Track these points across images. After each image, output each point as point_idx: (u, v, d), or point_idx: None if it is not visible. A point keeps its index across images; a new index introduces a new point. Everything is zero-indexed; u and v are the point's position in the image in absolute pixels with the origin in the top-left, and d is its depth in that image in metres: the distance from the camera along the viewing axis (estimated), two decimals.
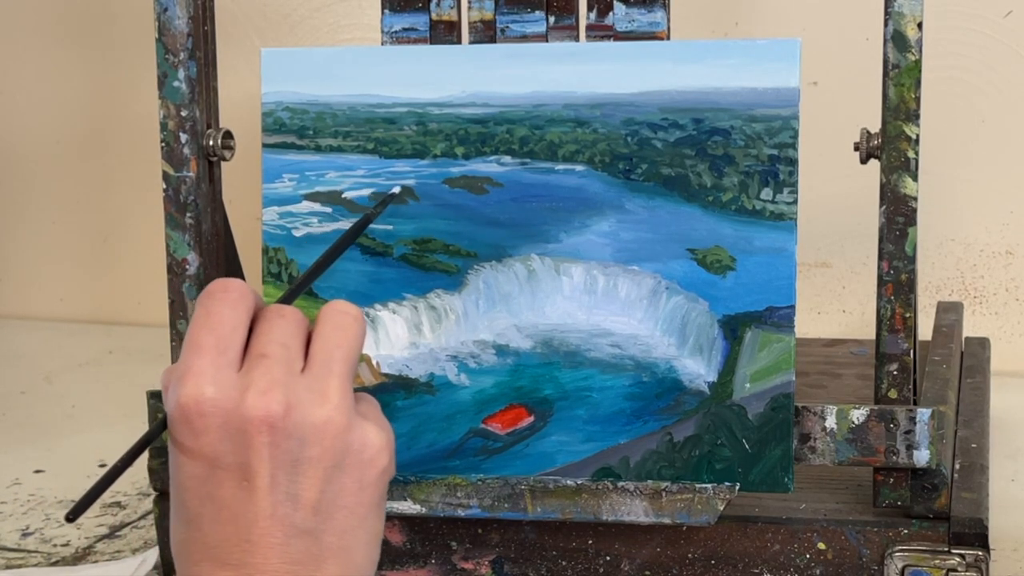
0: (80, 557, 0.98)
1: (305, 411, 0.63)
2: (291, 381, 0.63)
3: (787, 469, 0.81)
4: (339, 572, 0.64)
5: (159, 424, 0.65)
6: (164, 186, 0.89)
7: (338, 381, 0.64)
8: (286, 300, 0.69)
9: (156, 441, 0.89)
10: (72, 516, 0.65)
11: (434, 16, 0.88)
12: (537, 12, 0.86)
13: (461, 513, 0.84)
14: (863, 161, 0.82)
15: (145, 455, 0.90)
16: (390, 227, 0.85)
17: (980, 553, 0.82)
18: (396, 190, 0.84)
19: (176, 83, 0.88)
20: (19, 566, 0.97)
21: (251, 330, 0.65)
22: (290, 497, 0.63)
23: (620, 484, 0.83)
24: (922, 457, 0.81)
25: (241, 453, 0.62)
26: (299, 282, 0.72)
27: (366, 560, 0.65)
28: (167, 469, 0.90)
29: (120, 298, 1.65)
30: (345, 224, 0.86)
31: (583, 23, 0.86)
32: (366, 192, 0.86)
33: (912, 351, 0.82)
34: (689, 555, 0.85)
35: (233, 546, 0.62)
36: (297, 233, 0.87)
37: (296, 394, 0.63)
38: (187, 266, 0.89)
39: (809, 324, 1.40)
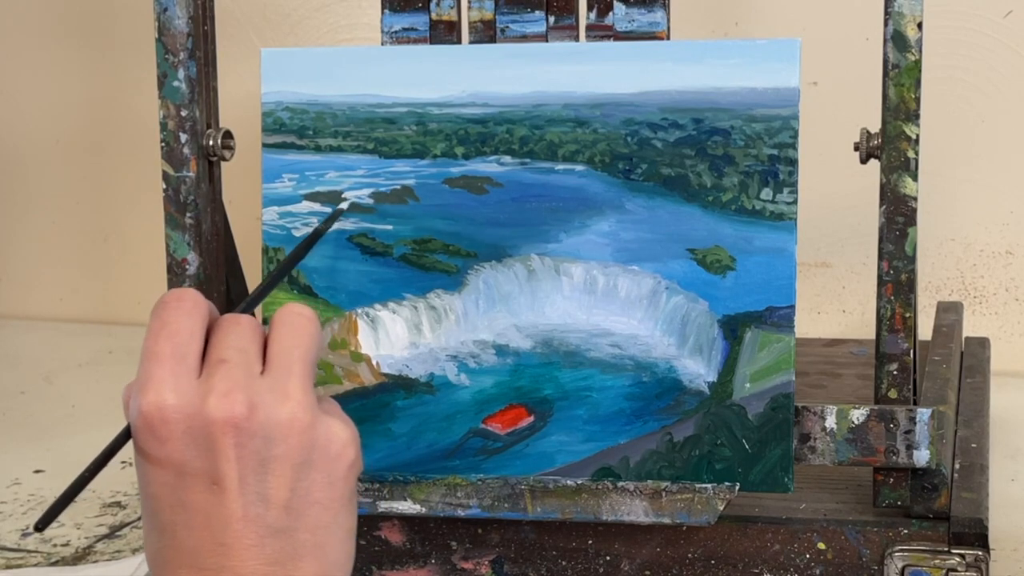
0: (80, 557, 0.98)
1: (268, 410, 0.63)
2: (252, 383, 0.63)
3: (787, 469, 0.81)
4: (316, 569, 0.64)
5: (122, 434, 0.66)
6: (164, 186, 0.89)
7: (298, 380, 0.64)
8: (242, 311, 0.69)
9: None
10: (41, 526, 0.65)
11: (434, 16, 0.88)
12: (537, 12, 0.86)
13: (461, 513, 0.84)
14: (863, 161, 0.82)
15: None
16: (390, 227, 0.85)
17: (980, 553, 0.82)
18: (344, 206, 0.84)
19: (176, 83, 0.88)
20: (19, 566, 0.97)
21: (207, 340, 0.65)
22: (261, 497, 0.63)
23: (620, 484, 0.83)
24: (922, 457, 0.81)
25: (208, 457, 0.62)
26: (253, 295, 0.72)
27: (341, 555, 0.65)
28: None
29: (120, 298, 1.65)
30: (345, 223, 0.86)
31: (583, 23, 0.86)
32: (366, 192, 0.86)
33: (912, 351, 0.82)
34: (689, 555, 0.85)
35: (208, 551, 0.63)
36: (297, 233, 0.87)
37: (258, 395, 0.63)
38: (187, 266, 0.89)
39: (809, 324, 1.40)
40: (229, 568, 0.62)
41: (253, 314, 0.69)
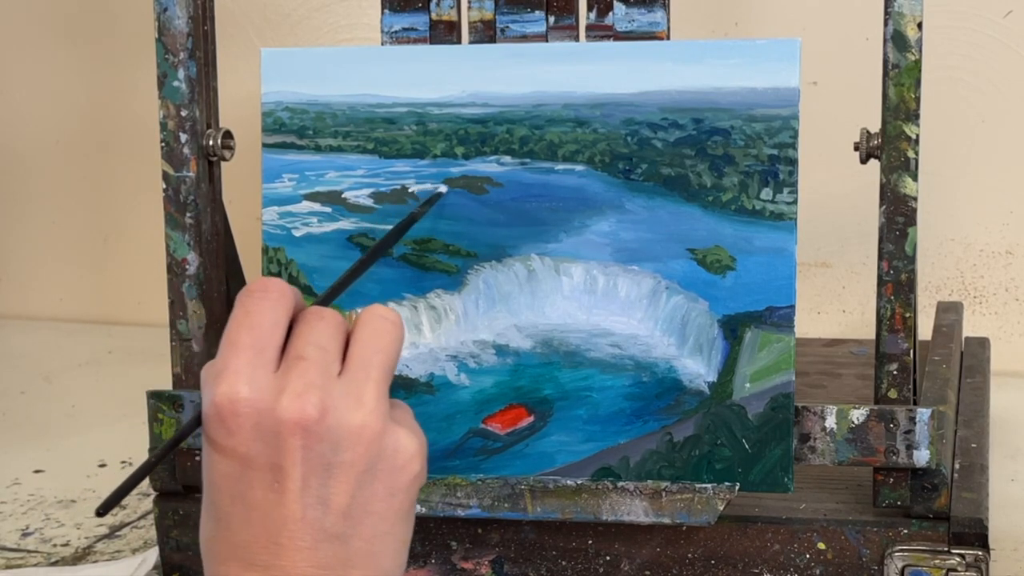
0: (80, 557, 0.98)
1: (340, 415, 0.62)
2: (328, 384, 0.63)
3: (787, 469, 0.81)
4: None
5: (193, 420, 0.65)
6: (164, 186, 0.89)
7: (375, 386, 0.64)
8: (323, 302, 0.69)
9: (157, 441, 0.89)
10: (103, 511, 0.65)
11: (434, 16, 0.88)
12: (537, 12, 0.86)
13: (461, 513, 0.84)
14: (863, 161, 0.82)
15: (144, 457, 0.90)
16: (390, 227, 0.85)
17: (980, 553, 0.82)
18: (443, 189, 0.84)
19: (176, 83, 0.88)
20: (19, 566, 0.97)
21: (289, 331, 0.65)
22: (321, 501, 0.62)
23: (620, 484, 0.83)
24: (922, 457, 0.81)
25: (274, 455, 0.62)
26: (337, 284, 0.71)
27: (393, 566, 0.65)
28: (167, 469, 0.90)
29: (120, 298, 1.65)
30: (345, 224, 0.86)
31: (583, 23, 0.86)
32: (366, 192, 0.86)
33: (912, 351, 0.82)
34: (689, 555, 0.85)
35: (261, 548, 0.62)
36: (297, 233, 0.87)
37: (332, 398, 0.62)
38: (187, 266, 0.89)
39: (809, 324, 1.40)
40: (279, 568, 0.62)
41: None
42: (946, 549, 0.82)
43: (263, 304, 0.64)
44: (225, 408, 0.62)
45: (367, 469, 0.63)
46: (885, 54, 0.80)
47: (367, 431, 0.63)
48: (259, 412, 0.62)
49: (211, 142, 0.89)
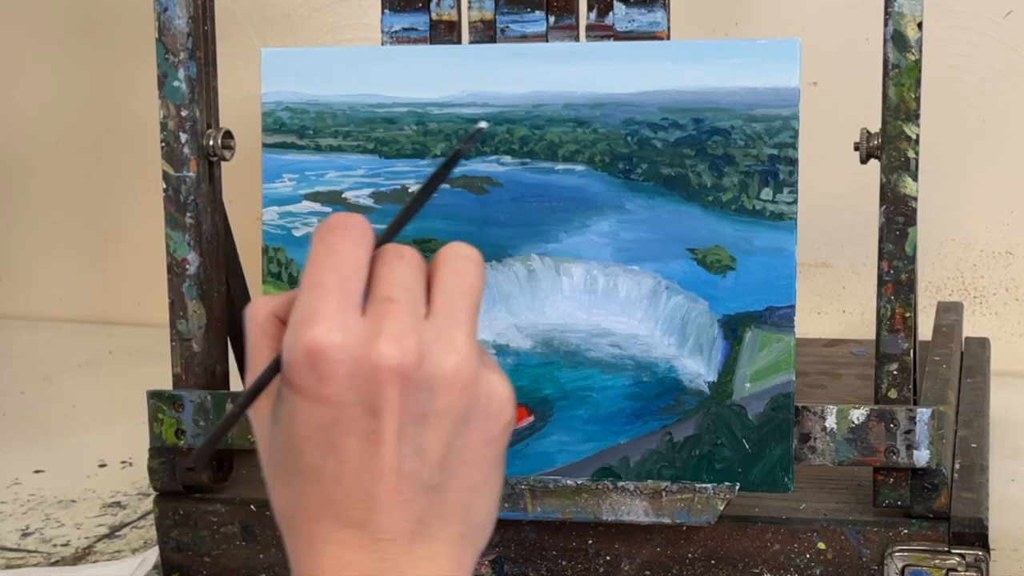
0: (80, 557, 0.98)
1: (435, 360, 0.59)
2: (420, 328, 0.59)
3: (787, 469, 0.81)
4: (460, 530, 0.61)
5: (272, 366, 0.61)
6: (164, 186, 0.89)
7: (464, 329, 0.60)
8: (383, 241, 0.66)
9: (157, 441, 0.89)
10: (193, 466, 0.62)
11: (434, 16, 0.88)
12: (537, 12, 0.86)
13: None
14: (863, 161, 0.82)
15: (144, 456, 0.91)
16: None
17: (980, 553, 0.82)
18: (483, 125, 0.82)
19: (176, 83, 0.88)
20: (19, 566, 0.97)
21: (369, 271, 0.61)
22: (417, 451, 0.59)
23: (620, 484, 0.83)
24: (922, 457, 0.81)
25: (369, 403, 0.58)
26: (394, 224, 0.67)
27: (486, 518, 0.62)
28: (167, 469, 0.90)
29: (120, 298, 1.65)
30: None
31: (583, 23, 0.86)
32: (366, 192, 0.86)
33: (912, 351, 0.82)
34: (689, 555, 0.85)
35: (356, 502, 0.59)
36: (297, 233, 0.87)
37: (426, 342, 0.59)
38: (187, 266, 0.89)
39: (809, 324, 1.40)
40: (375, 523, 0.59)
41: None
42: (946, 549, 0.82)
43: (346, 242, 0.61)
44: (319, 355, 0.58)
45: (462, 417, 0.60)
46: (885, 54, 0.80)
47: (461, 377, 0.60)
48: (355, 359, 0.58)
49: (211, 142, 0.89)
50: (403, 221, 0.67)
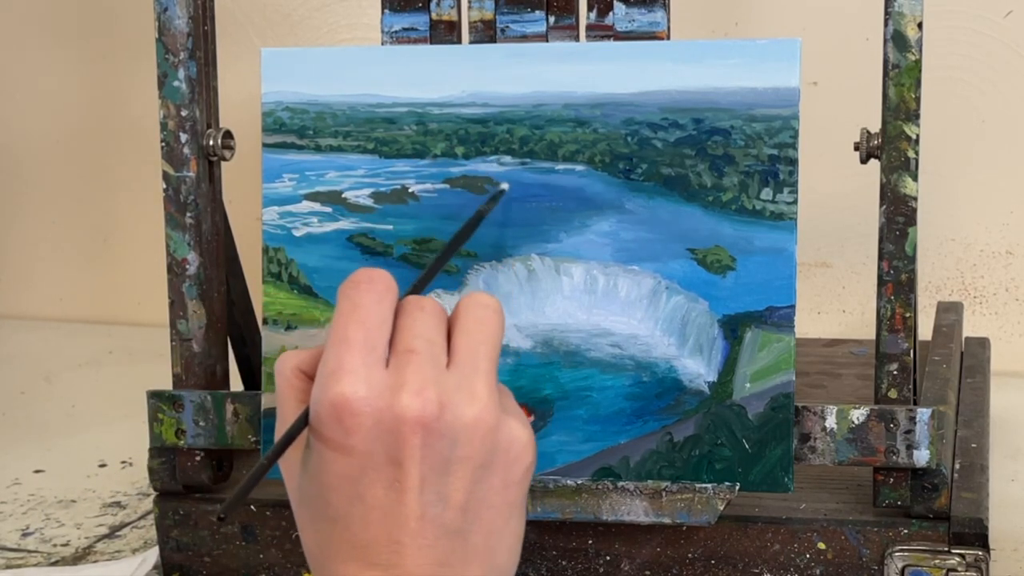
0: (80, 557, 0.98)
1: (457, 410, 0.62)
2: (441, 379, 0.62)
3: (787, 469, 0.81)
4: (483, 573, 0.63)
5: (301, 418, 0.63)
6: (164, 186, 0.89)
7: (485, 378, 0.63)
8: (413, 292, 0.67)
9: (156, 441, 0.89)
10: (223, 516, 0.63)
11: (434, 16, 0.88)
12: (537, 12, 0.86)
13: None
14: (863, 161, 0.82)
15: (144, 456, 0.91)
16: (390, 227, 0.86)
17: (980, 553, 0.82)
18: (504, 186, 0.83)
19: (176, 83, 0.88)
20: (19, 566, 0.97)
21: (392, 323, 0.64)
22: (440, 498, 0.62)
23: (620, 484, 0.83)
24: (922, 457, 0.81)
25: (393, 453, 0.61)
26: (422, 277, 0.70)
27: (509, 561, 0.64)
28: (167, 469, 0.90)
29: (120, 298, 1.65)
30: (345, 224, 0.86)
31: (583, 23, 0.86)
32: (366, 192, 0.86)
33: (912, 351, 0.82)
34: (689, 555, 0.85)
35: (382, 547, 0.61)
36: (297, 233, 0.87)
37: (447, 393, 0.62)
38: (187, 266, 0.89)
39: (809, 324, 1.40)
40: (400, 566, 0.61)
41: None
42: (946, 549, 0.82)
43: (370, 296, 0.63)
44: (344, 409, 0.61)
45: (483, 463, 0.62)
46: (885, 54, 0.80)
47: (482, 425, 0.62)
48: (378, 411, 0.61)
49: (211, 142, 0.89)
50: (427, 279, 0.69)
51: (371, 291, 0.63)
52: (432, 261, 0.73)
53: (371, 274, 0.64)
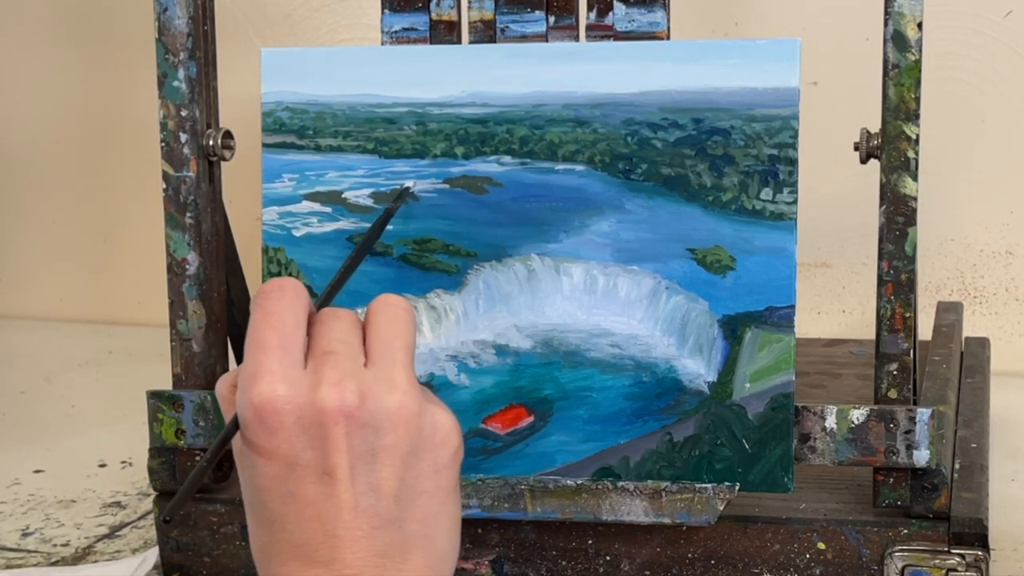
0: (80, 557, 0.98)
1: (378, 399, 0.63)
2: (360, 372, 0.63)
3: (787, 469, 0.81)
4: (424, 560, 0.63)
5: (231, 425, 0.65)
6: (164, 186, 0.89)
7: (403, 369, 0.64)
8: (321, 306, 0.69)
9: (157, 441, 0.89)
10: (168, 518, 0.64)
11: (434, 16, 0.88)
12: (537, 12, 0.86)
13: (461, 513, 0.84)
14: (863, 161, 0.82)
15: (144, 456, 0.91)
16: (390, 227, 0.85)
17: (980, 553, 0.82)
18: (409, 184, 0.84)
19: (176, 83, 0.88)
20: (19, 566, 0.97)
21: (308, 333, 0.65)
22: (371, 488, 0.62)
23: (620, 484, 0.83)
24: (922, 457, 0.81)
25: (319, 447, 0.62)
26: (332, 285, 0.72)
27: (448, 546, 0.65)
28: (167, 469, 0.90)
29: (120, 298, 1.65)
30: (345, 224, 0.86)
31: (583, 23, 0.86)
32: (366, 192, 0.86)
33: (912, 351, 0.82)
34: (689, 555, 0.85)
35: (320, 543, 0.62)
36: (297, 233, 0.87)
37: (367, 384, 0.63)
38: (187, 266, 0.89)
39: (809, 324, 1.40)
40: (340, 560, 0.62)
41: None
42: (946, 549, 0.82)
43: (281, 303, 0.65)
44: (265, 408, 0.62)
45: (410, 450, 0.63)
46: (885, 54, 0.80)
47: (405, 411, 0.63)
48: (299, 407, 0.62)
49: (211, 142, 0.89)
50: (338, 286, 0.71)
51: (282, 298, 0.65)
52: (341, 267, 0.74)
53: (281, 283, 0.65)
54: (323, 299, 0.70)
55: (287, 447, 0.62)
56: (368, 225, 0.86)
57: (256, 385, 0.62)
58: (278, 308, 0.64)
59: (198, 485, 0.64)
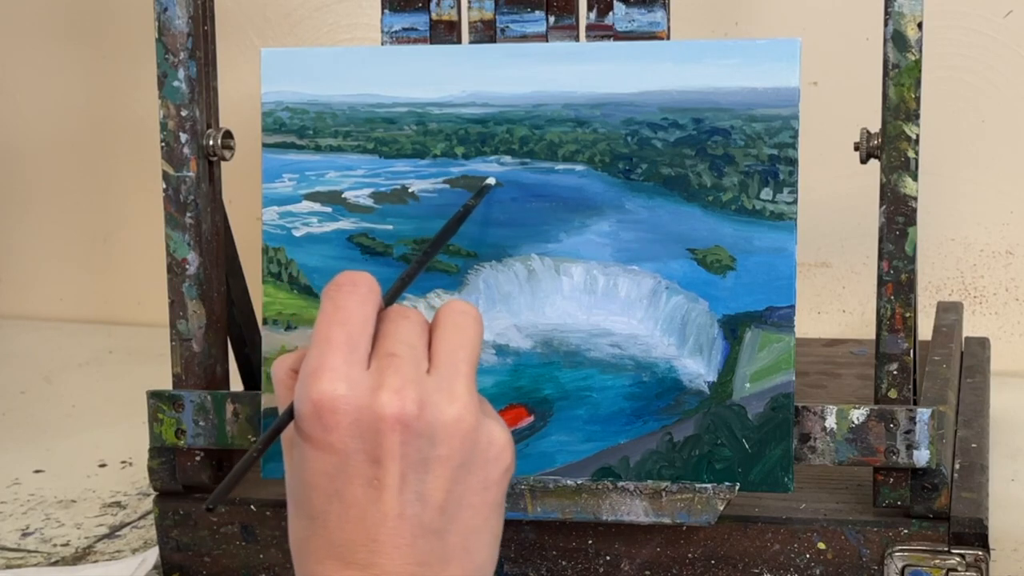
0: (80, 557, 0.98)
1: (436, 410, 0.63)
2: (421, 380, 0.63)
3: (787, 469, 0.81)
4: (461, 573, 0.63)
5: (286, 414, 0.64)
6: (164, 186, 0.89)
7: (465, 380, 0.64)
8: (389, 301, 0.69)
9: (157, 441, 0.89)
10: (211, 506, 0.64)
11: (434, 16, 0.88)
12: (537, 12, 0.86)
13: None
14: (863, 161, 0.82)
15: (144, 456, 0.91)
16: (390, 227, 0.86)
17: (980, 553, 0.82)
18: (491, 181, 0.84)
19: (176, 83, 0.88)
20: (19, 566, 0.97)
21: (375, 329, 0.65)
22: (418, 497, 0.62)
23: (620, 484, 0.83)
24: (922, 457, 0.81)
25: (372, 451, 0.62)
26: (401, 281, 0.71)
27: (486, 561, 0.65)
28: (167, 469, 0.90)
29: (120, 298, 1.65)
30: (345, 224, 0.86)
31: (583, 23, 0.86)
32: (366, 192, 0.86)
33: (912, 351, 0.82)
34: (689, 555, 0.85)
35: (360, 545, 0.62)
36: (297, 233, 0.87)
37: (427, 393, 0.63)
38: (187, 266, 0.89)
39: (809, 324, 1.40)
40: (378, 565, 0.62)
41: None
42: (946, 549, 0.82)
43: (353, 299, 0.64)
44: (324, 405, 0.62)
45: (462, 463, 0.63)
46: (885, 54, 0.80)
47: (462, 424, 0.63)
48: (358, 409, 0.62)
49: (211, 142, 0.89)
50: (407, 282, 0.70)
51: (354, 293, 0.65)
52: (412, 263, 0.74)
53: (354, 277, 0.65)
54: (391, 295, 0.69)
55: (340, 447, 0.62)
56: (371, 226, 0.86)
57: (317, 381, 0.62)
58: (348, 303, 0.64)
59: (245, 472, 0.64)
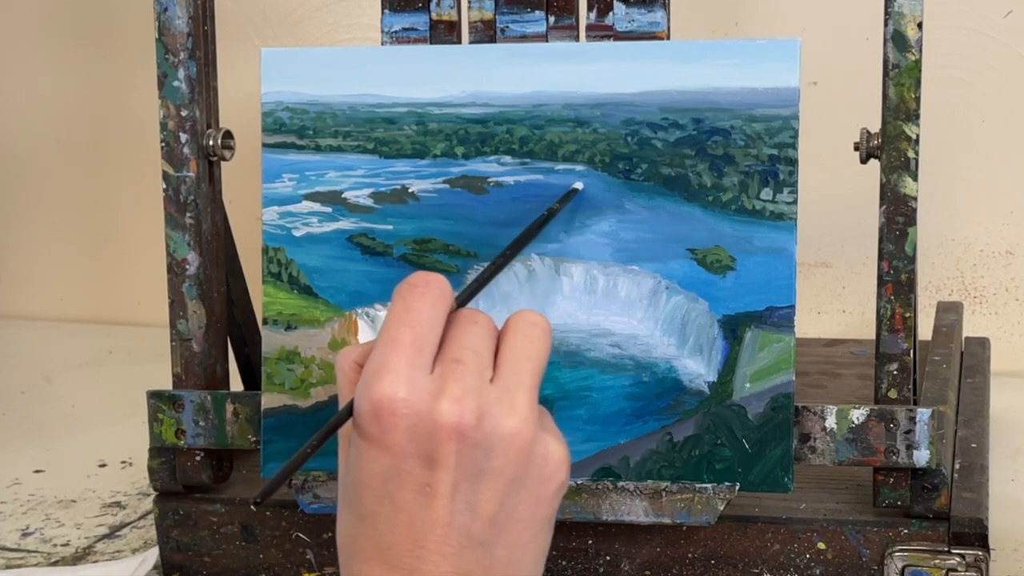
0: (80, 557, 0.98)
1: (495, 421, 0.62)
2: (483, 390, 0.63)
3: (787, 469, 0.81)
4: None
5: (345, 411, 0.64)
6: (164, 186, 0.89)
7: (527, 393, 0.63)
8: (463, 303, 0.68)
9: (157, 441, 0.89)
10: (259, 501, 0.64)
11: (434, 16, 0.88)
12: (537, 12, 0.86)
13: None
14: (863, 161, 0.82)
15: (144, 456, 0.91)
16: (390, 227, 0.86)
17: (980, 553, 0.82)
18: (578, 186, 0.84)
19: (176, 83, 0.88)
20: (19, 566, 0.97)
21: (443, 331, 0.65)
22: (469, 507, 0.62)
23: (620, 484, 0.83)
24: (922, 457, 0.81)
25: (427, 458, 0.62)
26: (475, 284, 0.71)
27: (532, 575, 0.65)
28: (167, 469, 0.90)
29: (120, 298, 1.65)
30: (345, 224, 0.86)
31: (583, 23, 0.86)
32: (366, 192, 0.86)
33: (912, 351, 0.82)
34: (689, 555, 0.85)
35: (406, 550, 0.62)
36: (297, 233, 0.87)
37: (488, 404, 0.62)
38: (187, 266, 0.89)
39: (809, 324, 1.40)
40: (422, 572, 0.61)
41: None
42: (946, 549, 0.82)
43: (424, 301, 0.64)
44: (383, 407, 0.62)
45: (516, 477, 0.63)
46: (885, 54, 0.81)
47: (519, 438, 0.63)
48: (417, 414, 0.62)
49: (211, 142, 0.89)
50: (481, 285, 0.70)
51: (426, 295, 0.64)
52: (490, 264, 0.74)
53: (427, 278, 0.65)
54: (464, 297, 0.69)
55: (396, 449, 0.62)
56: (371, 226, 0.86)
57: (379, 381, 0.62)
58: (419, 305, 0.64)
59: (299, 467, 0.64)
